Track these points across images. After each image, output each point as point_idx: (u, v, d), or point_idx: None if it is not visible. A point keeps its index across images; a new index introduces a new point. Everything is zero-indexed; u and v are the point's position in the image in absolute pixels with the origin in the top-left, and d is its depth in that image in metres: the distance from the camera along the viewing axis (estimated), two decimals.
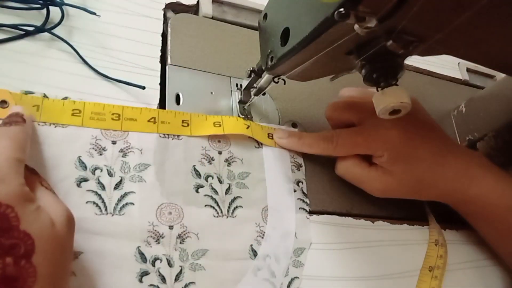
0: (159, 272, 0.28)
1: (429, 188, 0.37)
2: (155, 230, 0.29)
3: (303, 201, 0.36)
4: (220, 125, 0.35)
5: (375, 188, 0.37)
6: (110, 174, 0.30)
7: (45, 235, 0.21)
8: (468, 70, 0.61)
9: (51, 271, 0.21)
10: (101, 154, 0.30)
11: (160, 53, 0.38)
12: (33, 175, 0.26)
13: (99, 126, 0.31)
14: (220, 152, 0.35)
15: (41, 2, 0.34)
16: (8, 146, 0.23)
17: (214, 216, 0.32)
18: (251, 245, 0.32)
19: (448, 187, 0.36)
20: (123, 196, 0.30)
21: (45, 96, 0.30)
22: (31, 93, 0.30)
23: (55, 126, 0.29)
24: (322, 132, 0.37)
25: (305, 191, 0.37)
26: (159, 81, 0.36)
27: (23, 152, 0.24)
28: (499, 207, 0.36)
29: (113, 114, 0.32)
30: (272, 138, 0.38)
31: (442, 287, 0.37)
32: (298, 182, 0.37)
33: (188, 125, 0.34)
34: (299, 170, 0.38)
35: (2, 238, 0.19)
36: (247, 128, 0.36)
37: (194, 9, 0.45)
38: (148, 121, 0.33)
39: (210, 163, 0.34)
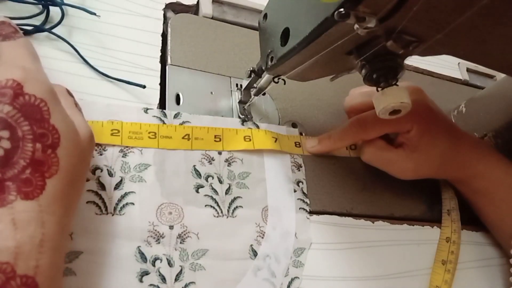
0: (159, 272, 0.28)
1: (449, 163, 0.38)
2: (155, 230, 0.29)
3: (303, 201, 0.36)
4: (250, 139, 0.36)
5: (406, 167, 0.38)
6: (110, 174, 0.30)
7: (69, 136, 0.23)
8: (468, 70, 0.61)
9: (71, 169, 0.22)
10: (101, 154, 0.30)
11: (160, 53, 0.38)
12: (69, 96, 0.27)
13: (138, 145, 0.31)
14: (220, 152, 0.35)
15: (42, 2, 0.34)
16: (27, 54, 0.24)
17: (214, 216, 0.32)
18: (251, 245, 0.32)
19: (462, 161, 0.38)
20: (123, 196, 0.30)
21: None
22: None
23: None
24: (346, 122, 0.38)
25: (305, 191, 0.37)
26: (159, 81, 0.36)
27: (39, 61, 0.26)
28: (502, 184, 0.38)
29: (149, 132, 0.32)
30: (300, 146, 0.39)
31: (454, 281, 0.38)
32: (298, 182, 0.37)
33: (220, 140, 0.35)
34: (299, 170, 0.38)
35: (34, 126, 0.21)
36: (275, 141, 0.37)
37: (194, 9, 0.45)
38: (183, 138, 0.33)
39: (210, 163, 0.34)
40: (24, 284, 0.18)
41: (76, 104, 0.27)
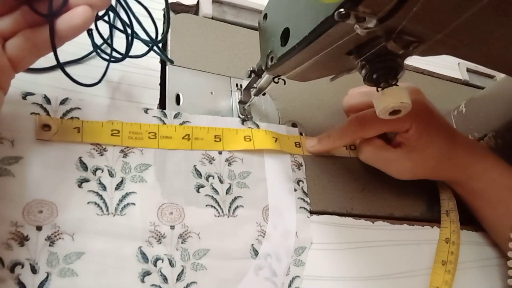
0: (160, 272, 0.28)
1: (446, 164, 0.38)
2: (157, 230, 0.29)
3: (304, 200, 0.36)
4: (250, 139, 0.36)
5: (404, 167, 0.38)
6: (111, 174, 0.30)
7: None
8: (468, 70, 0.61)
9: None
10: (102, 155, 0.30)
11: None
12: None
13: (138, 145, 0.31)
14: (220, 152, 0.35)
15: None
16: None
17: (215, 216, 0.32)
18: (252, 245, 0.32)
19: (459, 162, 0.38)
20: (124, 197, 0.30)
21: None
22: (32, 94, 0.30)
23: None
24: (345, 121, 0.38)
25: (305, 190, 0.37)
26: (159, 81, 0.36)
27: None
28: (499, 185, 0.38)
29: (149, 133, 0.32)
30: (300, 146, 0.39)
31: (455, 281, 0.38)
32: (298, 181, 0.37)
33: (220, 140, 0.35)
34: (299, 169, 0.38)
35: None
36: (276, 141, 0.37)
37: (194, 9, 0.45)
38: (183, 138, 0.33)
39: (211, 163, 0.34)
40: None
41: None
